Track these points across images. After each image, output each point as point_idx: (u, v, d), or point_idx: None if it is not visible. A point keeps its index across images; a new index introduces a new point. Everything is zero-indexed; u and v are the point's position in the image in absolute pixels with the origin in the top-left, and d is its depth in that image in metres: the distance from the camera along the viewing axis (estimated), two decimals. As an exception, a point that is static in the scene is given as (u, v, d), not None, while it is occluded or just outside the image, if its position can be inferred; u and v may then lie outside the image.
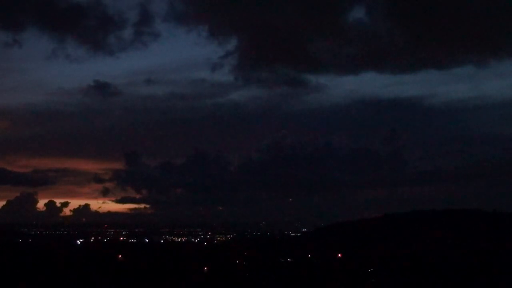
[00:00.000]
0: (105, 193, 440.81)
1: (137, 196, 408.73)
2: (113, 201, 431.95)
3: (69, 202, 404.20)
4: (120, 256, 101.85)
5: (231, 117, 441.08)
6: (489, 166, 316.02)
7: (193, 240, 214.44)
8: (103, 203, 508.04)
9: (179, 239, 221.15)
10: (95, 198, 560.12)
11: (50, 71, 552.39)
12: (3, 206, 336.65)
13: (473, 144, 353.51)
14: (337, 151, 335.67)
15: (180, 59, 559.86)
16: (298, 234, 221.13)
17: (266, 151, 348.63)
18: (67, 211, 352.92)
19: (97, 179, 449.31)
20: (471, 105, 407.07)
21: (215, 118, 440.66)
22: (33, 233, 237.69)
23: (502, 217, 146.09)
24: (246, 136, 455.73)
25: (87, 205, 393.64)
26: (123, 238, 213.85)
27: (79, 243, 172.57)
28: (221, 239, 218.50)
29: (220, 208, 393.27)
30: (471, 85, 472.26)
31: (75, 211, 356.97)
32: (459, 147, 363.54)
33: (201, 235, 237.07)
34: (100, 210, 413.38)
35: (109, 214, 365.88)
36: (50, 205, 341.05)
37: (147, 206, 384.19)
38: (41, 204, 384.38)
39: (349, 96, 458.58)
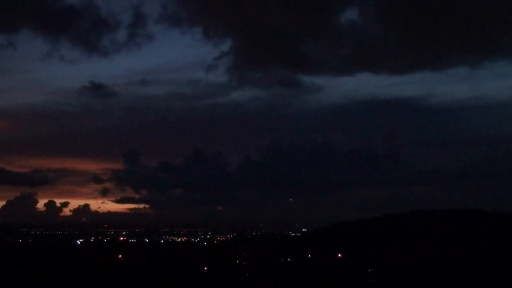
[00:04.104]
0: (104, 193, 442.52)
1: (136, 196, 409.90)
2: (112, 201, 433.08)
3: (69, 202, 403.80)
4: (120, 256, 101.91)
5: (229, 117, 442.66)
6: (488, 166, 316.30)
7: (193, 240, 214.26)
8: (102, 203, 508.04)
9: (179, 239, 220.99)
10: (95, 198, 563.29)
11: (45, 72, 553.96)
12: (3, 206, 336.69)
13: (472, 144, 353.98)
14: (336, 151, 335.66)
15: (175, 60, 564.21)
16: (298, 234, 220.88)
17: (265, 151, 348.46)
18: (67, 211, 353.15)
19: (96, 179, 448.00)
20: (468, 106, 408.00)
21: (212, 119, 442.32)
22: (33, 233, 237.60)
23: (502, 217, 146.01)
24: (244, 136, 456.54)
25: (86, 205, 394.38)
26: (123, 238, 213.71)
27: (79, 243, 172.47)
28: (221, 239, 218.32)
29: (220, 208, 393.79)
30: (467, 86, 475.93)
31: (75, 211, 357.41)
32: (458, 147, 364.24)
33: (201, 235, 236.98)
34: (100, 210, 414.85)
35: (109, 214, 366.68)
36: (50, 205, 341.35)
37: (147, 206, 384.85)
38: (41, 204, 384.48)
39: (346, 96, 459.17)
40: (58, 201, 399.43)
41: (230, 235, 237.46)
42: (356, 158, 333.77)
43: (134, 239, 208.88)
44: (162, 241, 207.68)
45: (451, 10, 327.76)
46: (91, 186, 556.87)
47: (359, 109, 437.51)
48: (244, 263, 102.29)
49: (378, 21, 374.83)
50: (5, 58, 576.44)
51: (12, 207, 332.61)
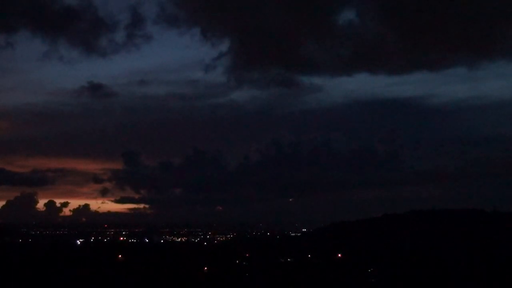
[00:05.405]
0: (104, 193, 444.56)
1: (136, 196, 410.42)
2: (112, 201, 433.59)
3: (69, 202, 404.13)
4: (120, 256, 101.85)
5: (228, 118, 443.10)
6: (488, 166, 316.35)
7: (193, 240, 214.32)
8: (102, 203, 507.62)
9: (179, 239, 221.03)
10: (94, 198, 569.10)
11: (44, 73, 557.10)
12: (3, 206, 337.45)
13: (472, 144, 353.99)
14: (335, 151, 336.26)
15: (174, 60, 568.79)
16: (298, 234, 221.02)
17: (264, 151, 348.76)
18: (66, 211, 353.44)
19: (96, 179, 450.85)
20: (468, 106, 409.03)
21: (212, 119, 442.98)
22: (33, 233, 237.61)
23: (502, 217, 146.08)
24: (244, 136, 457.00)
25: (86, 205, 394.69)
26: (123, 238, 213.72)
27: (79, 243, 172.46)
28: (221, 239, 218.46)
29: (220, 208, 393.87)
30: (465, 86, 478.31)
31: (75, 211, 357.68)
32: (458, 147, 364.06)
33: (201, 235, 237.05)
34: (100, 210, 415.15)
35: (109, 214, 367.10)
36: (50, 205, 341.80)
37: (146, 206, 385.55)
38: (41, 204, 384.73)
39: (345, 96, 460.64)
40: (58, 201, 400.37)
41: (230, 235, 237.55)
42: (356, 158, 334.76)
43: (134, 239, 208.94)
44: (162, 241, 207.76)
45: (449, 10, 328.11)
46: (91, 186, 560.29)
47: (358, 109, 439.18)
48: (244, 263, 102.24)
49: (376, 22, 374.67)
50: (4, 58, 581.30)
51: (12, 207, 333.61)
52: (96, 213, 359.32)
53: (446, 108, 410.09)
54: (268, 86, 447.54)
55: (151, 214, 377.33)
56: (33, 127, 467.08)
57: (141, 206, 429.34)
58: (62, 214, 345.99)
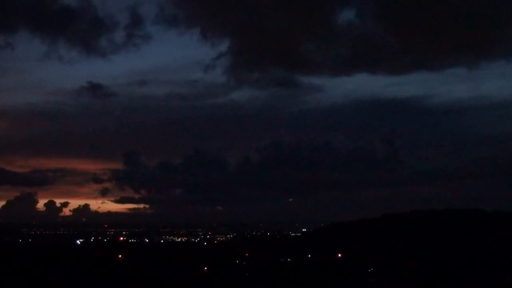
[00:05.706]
0: (104, 193, 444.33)
1: (136, 196, 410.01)
2: (112, 201, 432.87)
3: (69, 202, 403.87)
4: (120, 256, 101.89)
5: (228, 118, 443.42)
6: (488, 166, 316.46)
7: (193, 240, 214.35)
8: (102, 203, 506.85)
9: (179, 239, 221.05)
10: (94, 198, 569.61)
11: (44, 73, 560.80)
12: (3, 206, 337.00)
13: (472, 144, 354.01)
14: (335, 151, 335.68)
15: (173, 60, 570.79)
16: (298, 234, 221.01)
17: (264, 151, 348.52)
18: (67, 211, 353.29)
19: (96, 179, 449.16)
20: (467, 106, 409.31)
21: (212, 119, 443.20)
22: (33, 233, 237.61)
23: (502, 217, 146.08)
24: (244, 137, 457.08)
25: (86, 205, 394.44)
26: (123, 238, 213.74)
27: (79, 243, 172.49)
28: (221, 239, 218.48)
29: (220, 208, 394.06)
30: (465, 86, 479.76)
31: (75, 211, 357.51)
32: (458, 147, 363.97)
33: (201, 235, 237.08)
34: (100, 210, 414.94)
35: (109, 214, 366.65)
36: (50, 205, 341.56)
37: (146, 206, 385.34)
38: (41, 204, 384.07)
39: (345, 96, 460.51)
40: (58, 201, 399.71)
41: (230, 235, 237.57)
42: (356, 158, 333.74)
43: (134, 239, 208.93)
44: (162, 241, 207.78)
45: (448, 10, 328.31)
46: (91, 186, 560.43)
47: (358, 109, 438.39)
48: (244, 263, 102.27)
49: (376, 22, 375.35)
50: (3, 58, 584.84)
51: (12, 207, 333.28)
52: (96, 213, 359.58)
53: (446, 108, 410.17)
54: (268, 86, 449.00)
55: (151, 214, 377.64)
56: (33, 127, 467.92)
57: (141, 206, 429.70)
58: (62, 214, 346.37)
